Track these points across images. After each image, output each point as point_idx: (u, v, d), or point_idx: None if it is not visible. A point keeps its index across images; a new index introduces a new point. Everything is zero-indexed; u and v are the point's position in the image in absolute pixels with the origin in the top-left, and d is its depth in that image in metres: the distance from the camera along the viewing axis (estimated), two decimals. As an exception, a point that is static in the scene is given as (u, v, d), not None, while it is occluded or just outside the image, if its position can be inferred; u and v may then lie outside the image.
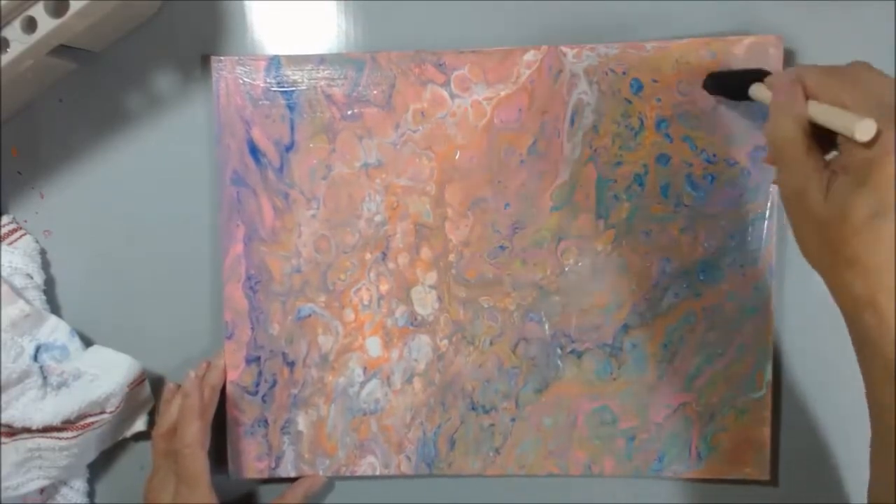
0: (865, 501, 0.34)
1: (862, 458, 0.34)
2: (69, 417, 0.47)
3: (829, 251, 0.32)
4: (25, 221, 0.52)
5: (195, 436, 0.45)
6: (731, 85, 0.45)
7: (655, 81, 0.47)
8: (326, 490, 0.52)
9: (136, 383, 0.50)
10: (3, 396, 0.46)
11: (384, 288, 0.50)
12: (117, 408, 0.48)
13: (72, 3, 0.41)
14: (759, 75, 0.42)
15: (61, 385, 0.48)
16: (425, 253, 0.49)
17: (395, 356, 0.50)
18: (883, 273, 0.29)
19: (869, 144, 0.30)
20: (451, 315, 0.49)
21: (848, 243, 0.30)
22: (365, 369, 0.50)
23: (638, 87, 0.47)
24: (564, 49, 0.48)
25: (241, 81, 0.49)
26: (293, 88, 0.49)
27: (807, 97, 0.34)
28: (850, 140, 0.31)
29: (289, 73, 0.49)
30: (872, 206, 0.29)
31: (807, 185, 0.32)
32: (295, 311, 0.50)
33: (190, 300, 0.51)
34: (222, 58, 0.49)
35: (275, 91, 0.49)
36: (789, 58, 0.47)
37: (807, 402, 0.50)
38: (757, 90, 0.41)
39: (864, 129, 0.30)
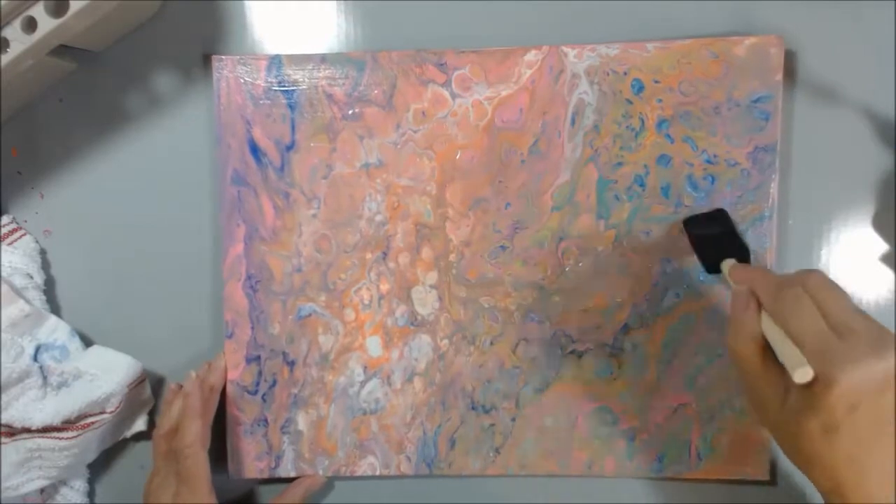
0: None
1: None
2: (69, 417, 0.47)
3: (791, 447, 0.36)
4: (25, 221, 0.52)
5: (196, 436, 0.45)
6: (704, 247, 0.46)
7: (657, 82, 0.47)
8: (326, 490, 0.52)
9: (136, 383, 0.50)
10: (3, 396, 0.46)
11: (385, 287, 0.50)
12: (117, 408, 0.48)
13: (72, 3, 0.41)
14: (729, 246, 0.44)
15: (61, 385, 0.48)
16: (426, 253, 0.49)
17: (396, 356, 0.50)
18: (840, 470, 0.34)
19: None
20: (451, 315, 0.49)
21: (806, 448, 0.34)
22: (365, 369, 0.50)
23: (639, 87, 0.47)
24: (565, 49, 0.48)
25: (241, 81, 0.49)
26: (294, 88, 0.49)
27: (761, 308, 0.38)
28: None
29: (290, 72, 0.49)
30: (822, 424, 0.33)
31: (764, 395, 0.37)
32: (295, 311, 0.50)
33: (190, 300, 0.51)
34: (223, 57, 0.49)
35: (276, 90, 0.49)
36: (790, 58, 0.47)
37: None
38: (725, 271, 0.42)
39: (801, 375, 0.33)
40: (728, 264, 0.42)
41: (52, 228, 0.52)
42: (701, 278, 0.48)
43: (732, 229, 0.45)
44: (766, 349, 0.37)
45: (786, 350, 0.35)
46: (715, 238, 0.45)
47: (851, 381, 0.32)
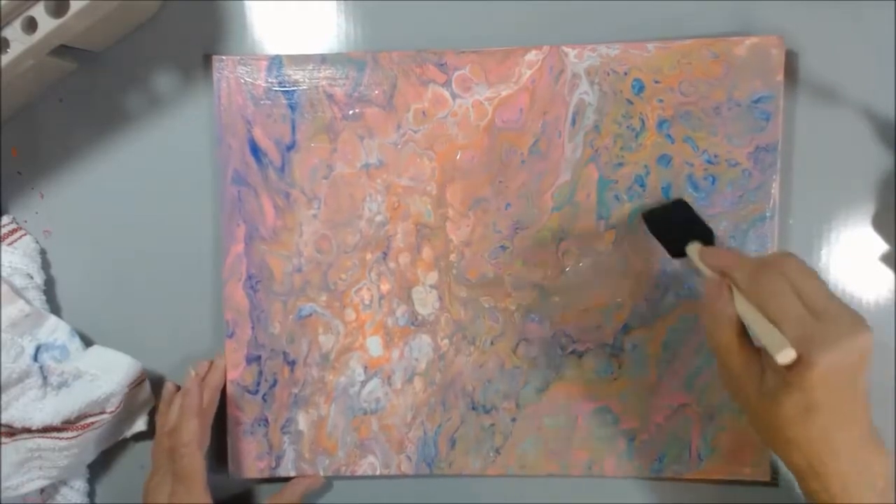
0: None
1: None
2: (69, 417, 0.47)
3: (768, 430, 0.37)
4: (25, 221, 0.52)
5: (193, 435, 0.45)
6: (667, 233, 0.46)
7: (657, 82, 0.47)
8: (326, 489, 0.52)
9: (136, 383, 0.50)
10: (3, 396, 0.46)
11: (385, 288, 0.50)
12: (117, 408, 0.48)
13: (72, 3, 0.41)
14: (693, 230, 0.44)
15: (61, 385, 0.48)
16: (426, 253, 0.49)
17: (396, 356, 0.50)
18: (815, 448, 0.35)
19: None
20: (451, 315, 0.49)
21: (785, 429, 0.35)
22: (366, 369, 0.50)
23: (639, 87, 0.47)
24: (566, 49, 0.48)
25: (242, 81, 0.49)
26: (294, 88, 0.49)
27: (736, 287, 0.38)
28: None
29: (290, 72, 0.49)
30: (801, 404, 0.34)
31: (742, 378, 0.37)
32: (296, 311, 0.50)
33: (190, 300, 0.51)
34: (224, 57, 0.49)
35: (276, 91, 0.49)
36: (791, 58, 0.47)
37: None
38: (692, 255, 0.42)
39: (784, 356, 0.33)
40: (695, 248, 0.42)
41: (52, 228, 0.52)
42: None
43: (694, 215, 0.45)
44: (742, 332, 0.37)
45: (765, 332, 0.35)
46: (677, 224, 0.45)
47: (831, 362, 0.33)
